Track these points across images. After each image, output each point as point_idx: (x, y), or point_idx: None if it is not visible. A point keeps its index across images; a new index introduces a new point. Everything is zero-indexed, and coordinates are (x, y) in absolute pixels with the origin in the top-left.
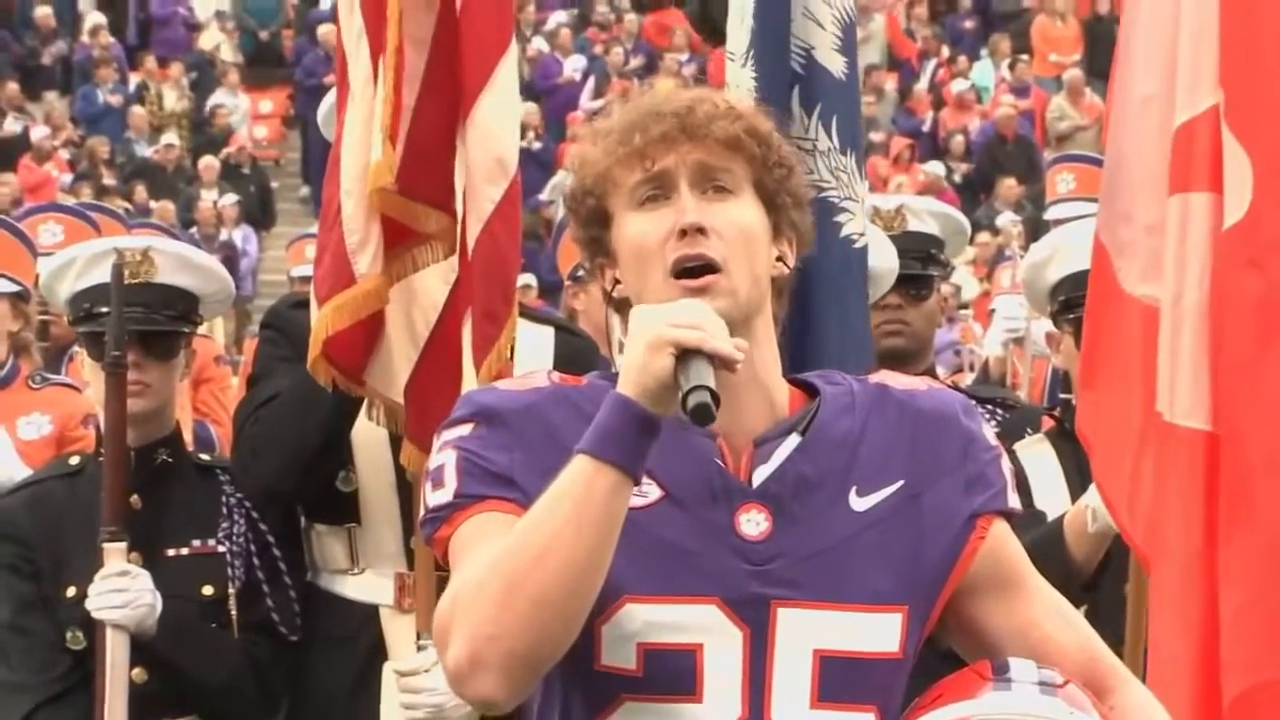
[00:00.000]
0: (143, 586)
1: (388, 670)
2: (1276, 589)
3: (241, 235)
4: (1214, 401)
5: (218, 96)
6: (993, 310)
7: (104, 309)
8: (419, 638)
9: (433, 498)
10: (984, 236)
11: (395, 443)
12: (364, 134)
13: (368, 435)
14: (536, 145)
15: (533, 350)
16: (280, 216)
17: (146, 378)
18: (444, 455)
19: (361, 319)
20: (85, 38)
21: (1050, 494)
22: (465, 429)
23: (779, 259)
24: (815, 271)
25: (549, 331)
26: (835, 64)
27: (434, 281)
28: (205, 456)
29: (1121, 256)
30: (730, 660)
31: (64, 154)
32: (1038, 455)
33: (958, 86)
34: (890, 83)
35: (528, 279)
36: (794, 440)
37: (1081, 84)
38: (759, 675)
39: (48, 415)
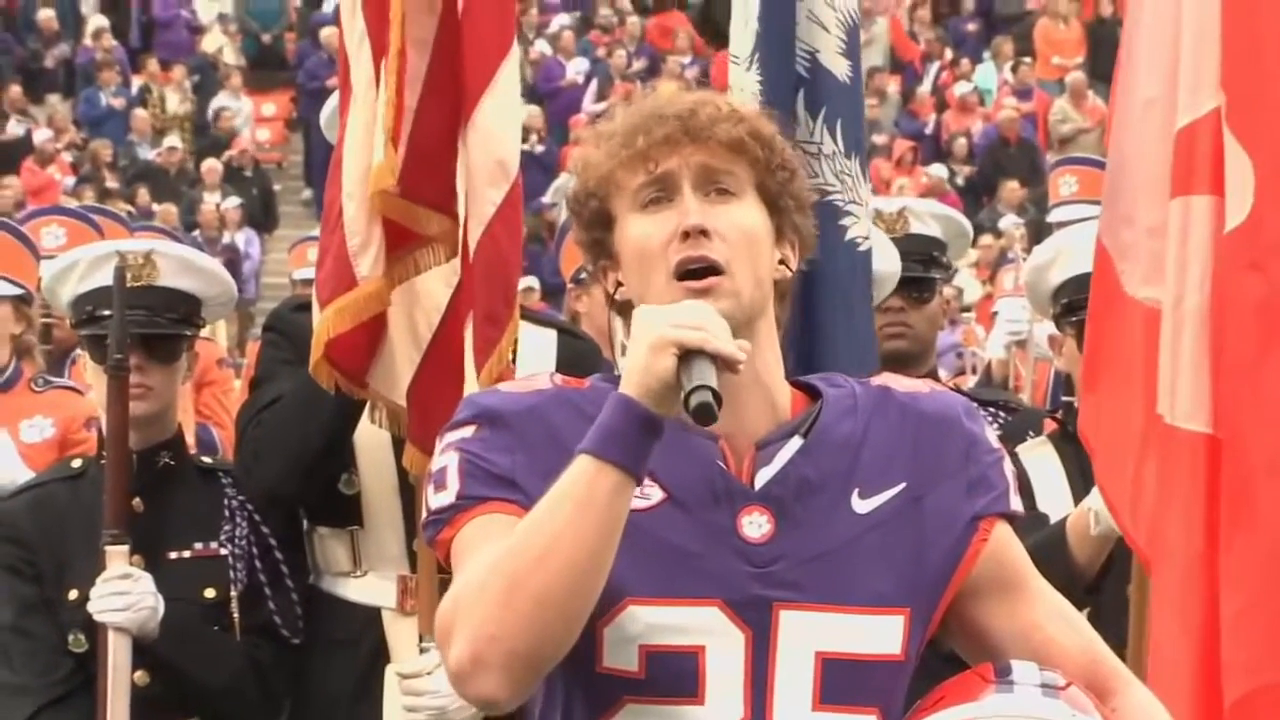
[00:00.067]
0: (145, 589)
1: (390, 673)
2: (1277, 592)
3: (244, 238)
4: (1215, 404)
5: (220, 99)
6: (995, 313)
7: (106, 312)
8: (421, 640)
9: (435, 500)
10: (986, 239)
11: (398, 445)
12: (366, 137)
13: (370, 438)
14: (539, 148)
15: (535, 353)
16: (283, 219)
17: (149, 381)
18: (446, 457)
19: (363, 321)
20: (88, 40)
21: (1053, 496)
22: (467, 431)
23: (781, 262)
24: (821, 275)
25: (552, 334)
26: (840, 67)
27: (436, 284)
28: (207, 459)
29: (1124, 259)
30: (732, 662)
31: (66, 157)
32: (1040, 458)
33: (960, 89)
34: (893, 85)
35: (530, 282)
36: (796, 443)
37: (1084, 86)
38: (761, 677)
39: (50, 418)
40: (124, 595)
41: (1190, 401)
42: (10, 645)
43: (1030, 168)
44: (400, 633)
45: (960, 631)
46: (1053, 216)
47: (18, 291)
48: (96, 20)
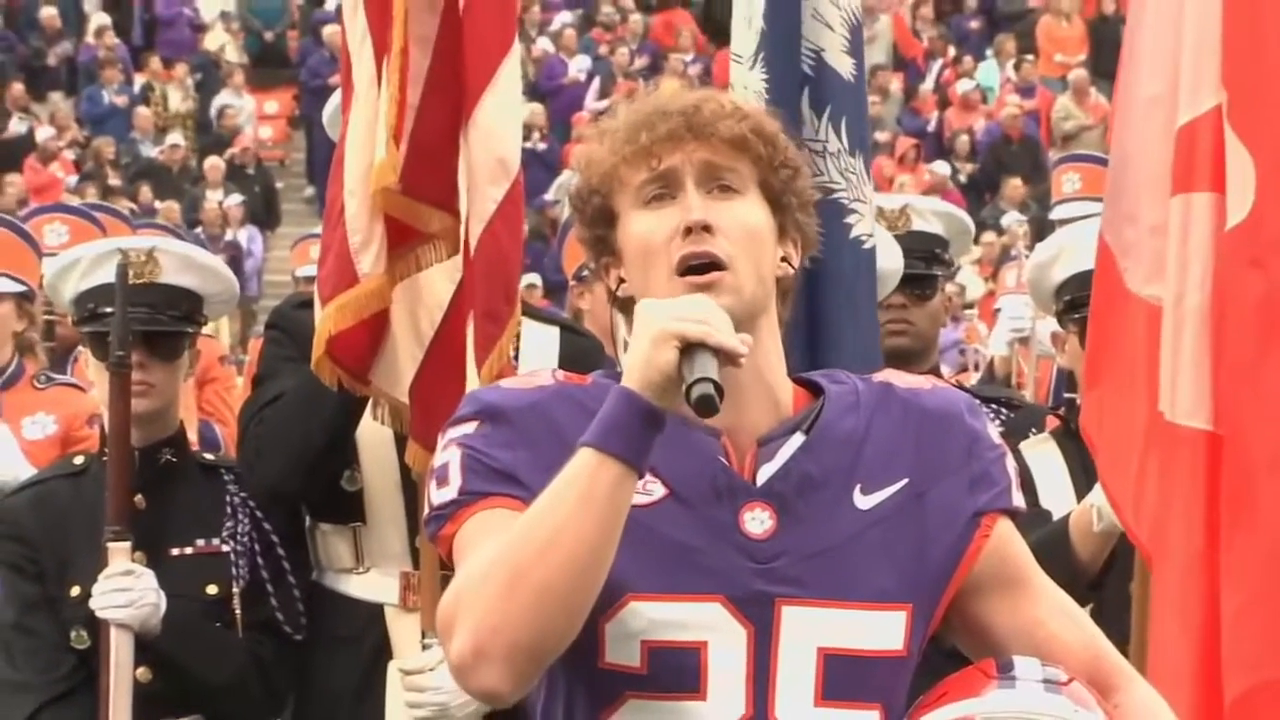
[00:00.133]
0: (147, 586)
1: (393, 669)
2: (1278, 589)
3: (246, 235)
4: (1216, 402)
5: (223, 97)
6: (998, 310)
7: (109, 309)
8: (424, 636)
9: (437, 495)
10: (989, 236)
11: (400, 442)
12: (368, 134)
13: (373, 435)
14: (541, 146)
15: (538, 350)
16: (285, 217)
17: (151, 378)
18: (448, 453)
19: (365, 318)
20: (90, 38)
21: (1055, 493)
22: (470, 427)
23: (784, 259)
24: (826, 273)
25: (554, 331)
26: (844, 66)
27: (439, 281)
28: (210, 456)
29: (1126, 257)
30: (734, 658)
31: (69, 154)
32: (1043, 454)
33: (963, 86)
34: (896, 83)
35: (533, 279)
36: (798, 439)
37: (1086, 84)
38: (763, 673)
39: (52, 415)
40: (126, 592)
41: (1191, 399)
42: (12, 642)
43: (1033, 165)
44: (403, 629)
45: (962, 627)
46: (1055, 214)
47: (20, 289)
48: (99, 18)
